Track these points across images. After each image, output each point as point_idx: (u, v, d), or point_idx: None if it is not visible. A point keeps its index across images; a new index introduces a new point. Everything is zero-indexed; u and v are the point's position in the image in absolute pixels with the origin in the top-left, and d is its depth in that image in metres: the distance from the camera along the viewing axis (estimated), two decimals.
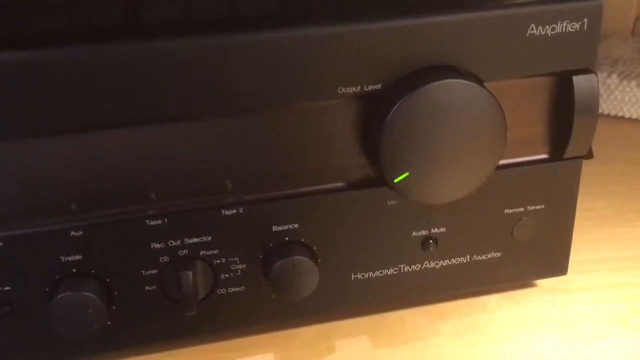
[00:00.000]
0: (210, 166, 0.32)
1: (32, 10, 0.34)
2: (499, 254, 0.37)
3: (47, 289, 0.31)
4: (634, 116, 0.61)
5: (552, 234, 0.37)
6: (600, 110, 0.62)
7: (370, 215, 0.34)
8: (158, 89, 0.29)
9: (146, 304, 0.33)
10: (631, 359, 0.34)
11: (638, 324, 0.37)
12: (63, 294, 0.30)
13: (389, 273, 0.35)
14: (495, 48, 0.31)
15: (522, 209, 0.36)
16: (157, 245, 0.32)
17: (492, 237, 0.36)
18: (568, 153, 0.35)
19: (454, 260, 0.36)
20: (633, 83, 0.60)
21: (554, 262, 0.38)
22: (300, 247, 0.33)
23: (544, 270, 0.38)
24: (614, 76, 0.60)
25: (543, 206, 0.36)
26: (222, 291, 0.34)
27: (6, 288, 0.31)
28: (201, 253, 0.32)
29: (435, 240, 0.35)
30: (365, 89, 0.31)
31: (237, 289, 0.34)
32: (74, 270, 0.31)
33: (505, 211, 0.36)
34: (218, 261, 0.33)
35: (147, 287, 0.32)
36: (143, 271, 0.32)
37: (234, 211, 0.32)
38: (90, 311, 0.30)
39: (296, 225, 0.33)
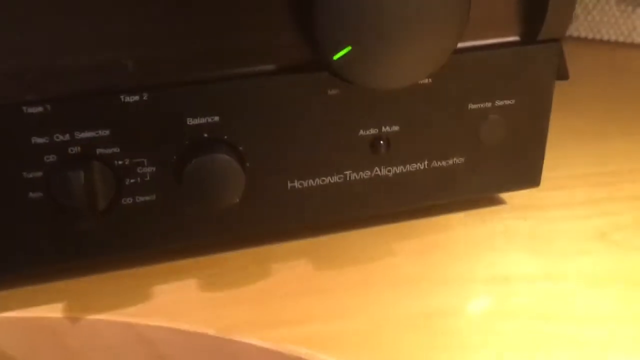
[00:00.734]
0: (104, 38, 0.25)
1: None
2: (462, 160, 0.31)
3: None
4: (612, 38, 0.56)
5: (524, 136, 0.32)
6: (577, 33, 0.57)
7: (307, 108, 0.28)
8: None
9: (31, 216, 0.27)
10: (614, 277, 0.30)
11: (620, 239, 0.32)
12: None
13: (332, 181, 0.30)
14: None
15: (488, 104, 0.30)
16: (40, 140, 0.26)
17: (455, 139, 0.31)
18: (543, 34, 0.29)
19: (409, 167, 0.31)
20: (612, 1, 0.54)
21: (525, 171, 0.33)
22: (222, 145, 0.27)
23: (514, 181, 0.33)
24: None
25: (513, 101, 0.31)
26: (128, 200, 0.28)
27: None
28: (97, 151, 0.26)
29: (387, 141, 0.30)
30: None
31: (146, 198, 0.28)
32: None
33: (469, 106, 0.30)
34: (120, 162, 0.27)
35: (30, 194, 0.26)
36: (24, 173, 0.26)
37: (137, 98, 0.26)
38: None
39: (216, 118, 0.27)
